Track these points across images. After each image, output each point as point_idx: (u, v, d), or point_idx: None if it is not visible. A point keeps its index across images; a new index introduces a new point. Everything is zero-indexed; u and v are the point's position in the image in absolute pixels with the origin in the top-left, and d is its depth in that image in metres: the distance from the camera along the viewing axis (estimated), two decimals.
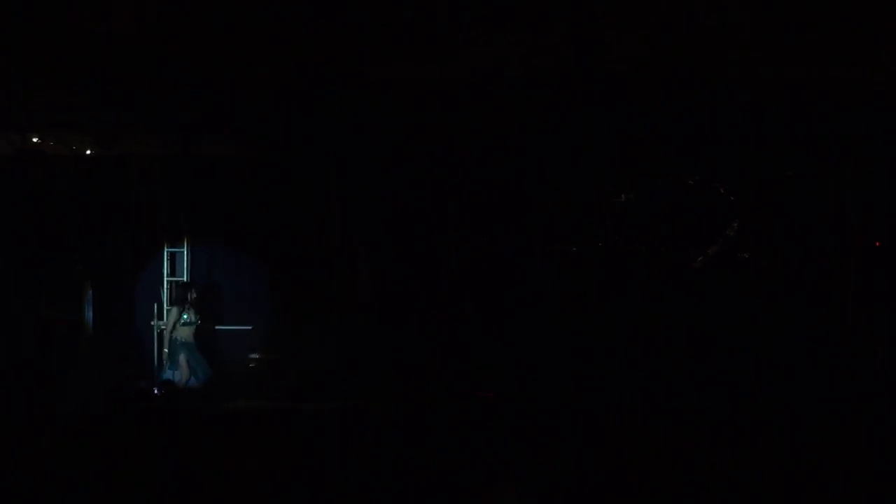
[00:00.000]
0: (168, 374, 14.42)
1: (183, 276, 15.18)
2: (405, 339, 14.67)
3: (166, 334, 14.48)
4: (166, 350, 14.44)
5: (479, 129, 13.64)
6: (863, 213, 13.81)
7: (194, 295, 14.59)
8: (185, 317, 14.49)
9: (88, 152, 14.53)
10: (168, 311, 14.75)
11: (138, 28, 11.10)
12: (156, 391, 13.74)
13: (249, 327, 15.02)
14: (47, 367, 14.13)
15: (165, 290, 15.15)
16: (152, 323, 15.04)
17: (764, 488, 8.62)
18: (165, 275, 15.19)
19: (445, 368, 13.89)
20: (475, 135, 13.80)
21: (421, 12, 10.91)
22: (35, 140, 14.16)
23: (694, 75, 12.26)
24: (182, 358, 14.37)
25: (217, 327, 15.10)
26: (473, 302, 14.39)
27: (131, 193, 15.14)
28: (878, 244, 13.73)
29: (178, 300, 14.60)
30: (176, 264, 15.31)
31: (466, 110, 13.17)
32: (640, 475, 8.89)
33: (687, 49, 11.54)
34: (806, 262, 13.95)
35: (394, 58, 11.84)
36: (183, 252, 15.24)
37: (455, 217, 14.73)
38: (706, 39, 11.26)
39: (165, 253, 15.23)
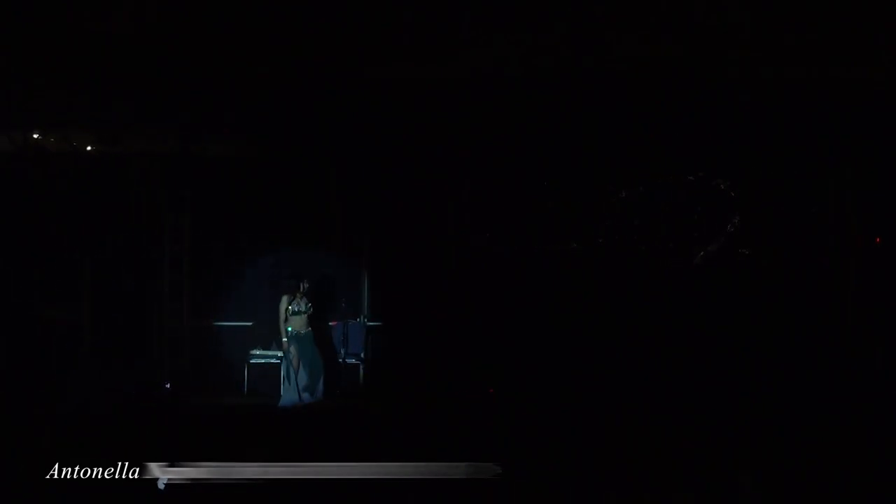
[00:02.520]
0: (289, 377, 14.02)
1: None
2: (405, 339, 14.69)
3: (281, 325, 13.96)
4: (284, 339, 13.94)
5: (479, 129, 13.63)
6: (863, 213, 13.81)
7: (306, 285, 14.06)
8: (294, 306, 13.95)
9: (89, 149, 14.44)
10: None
11: (138, 28, 11.10)
12: (167, 385, 13.67)
13: (250, 323, 15.01)
14: (47, 366, 14.09)
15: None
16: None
17: (764, 488, 8.62)
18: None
19: (446, 368, 13.89)
20: (475, 135, 13.80)
21: (421, 12, 10.91)
22: (35, 137, 14.11)
23: (694, 75, 12.26)
24: (294, 349, 13.93)
25: (217, 323, 15.04)
26: (473, 302, 14.39)
27: (132, 193, 15.12)
28: (878, 240, 13.72)
29: (288, 289, 14.05)
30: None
31: (466, 110, 13.16)
32: (640, 475, 8.89)
33: (687, 49, 11.54)
34: (806, 262, 13.95)
35: (394, 58, 11.84)
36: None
37: (455, 217, 14.73)
38: (706, 39, 11.26)
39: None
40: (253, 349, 14.76)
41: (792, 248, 14.04)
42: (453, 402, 12.82)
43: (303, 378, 13.83)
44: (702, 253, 14.00)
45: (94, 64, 11.82)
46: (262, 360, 14.70)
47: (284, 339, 13.87)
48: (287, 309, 13.90)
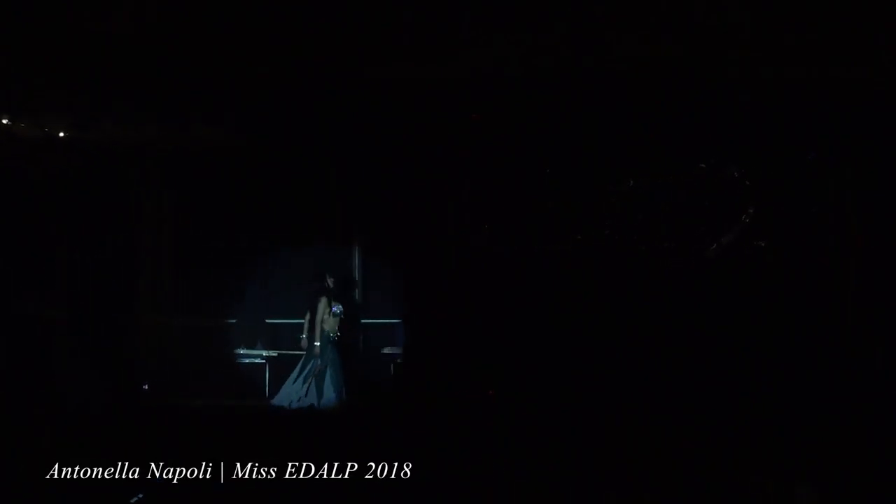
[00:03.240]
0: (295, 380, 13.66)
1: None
2: (405, 339, 14.69)
3: (317, 326, 13.67)
4: (317, 343, 13.70)
5: (479, 129, 13.63)
6: (863, 213, 13.80)
7: (332, 278, 13.83)
8: (334, 307, 13.72)
9: (61, 134, 13.97)
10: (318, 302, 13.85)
11: (138, 28, 11.09)
12: (145, 387, 13.48)
13: (233, 321, 14.91)
14: (25, 366, 13.85)
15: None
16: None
17: (763, 488, 8.62)
18: None
19: (446, 368, 13.88)
20: (475, 135, 13.80)
21: (421, 12, 10.90)
22: (4, 122, 13.80)
23: (694, 75, 12.26)
24: (328, 353, 13.67)
25: (200, 321, 14.85)
26: (473, 302, 14.37)
27: (115, 186, 14.98)
28: None
29: (322, 290, 13.76)
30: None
31: (466, 110, 13.16)
32: (640, 475, 8.90)
33: (687, 49, 11.54)
34: (806, 262, 13.93)
35: (394, 58, 11.84)
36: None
37: (455, 217, 14.72)
38: (706, 39, 11.26)
39: None
40: (237, 348, 14.63)
41: (791, 247, 14.02)
42: (453, 402, 12.82)
43: (331, 382, 13.62)
44: (714, 246, 13.93)
45: (94, 64, 11.82)
46: (247, 360, 14.58)
47: (317, 343, 13.61)
48: (326, 311, 13.64)
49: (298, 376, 13.70)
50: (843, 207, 13.92)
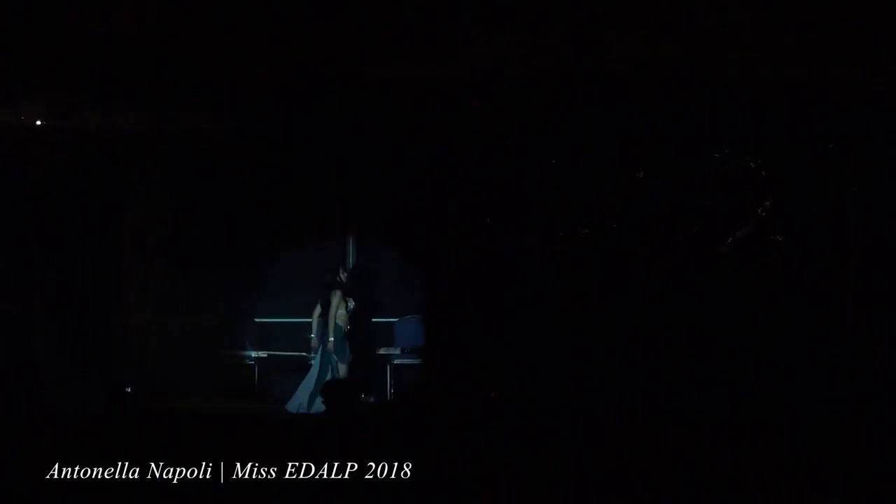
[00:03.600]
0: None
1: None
2: (404, 340, 14.69)
3: (331, 321, 13.31)
4: (332, 339, 13.39)
5: (479, 129, 13.64)
6: (863, 213, 13.79)
7: (345, 273, 13.58)
8: (350, 302, 13.41)
9: (39, 123, 13.78)
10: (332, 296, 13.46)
11: (138, 28, 11.11)
12: (128, 389, 13.33)
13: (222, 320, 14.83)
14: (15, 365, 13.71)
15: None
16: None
17: (764, 489, 8.62)
18: None
19: (446, 368, 13.88)
20: (475, 135, 13.80)
21: (421, 12, 10.91)
22: None
23: (694, 75, 12.27)
24: (347, 348, 13.38)
25: (186, 320, 14.70)
26: (473, 302, 14.36)
27: (124, 189, 14.95)
28: None
29: (334, 284, 13.42)
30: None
31: (466, 110, 13.17)
32: (641, 475, 8.90)
33: (687, 49, 11.55)
34: (805, 262, 13.93)
35: (394, 58, 11.85)
36: None
37: (455, 217, 14.71)
38: (706, 39, 11.27)
39: None
40: (227, 349, 14.53)
41: (791, 248, 14.01)
42: (453, 403, 12.81)
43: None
44: (729, 242, 13.88)
45: (93, 63, 11.83)
46: (236, 361, 14.48)
47: (332, 339, 13.41)
48: (342, 306, 13.44)
49: (319, 378, 13.44)
50: (842, 207, 13.92)
